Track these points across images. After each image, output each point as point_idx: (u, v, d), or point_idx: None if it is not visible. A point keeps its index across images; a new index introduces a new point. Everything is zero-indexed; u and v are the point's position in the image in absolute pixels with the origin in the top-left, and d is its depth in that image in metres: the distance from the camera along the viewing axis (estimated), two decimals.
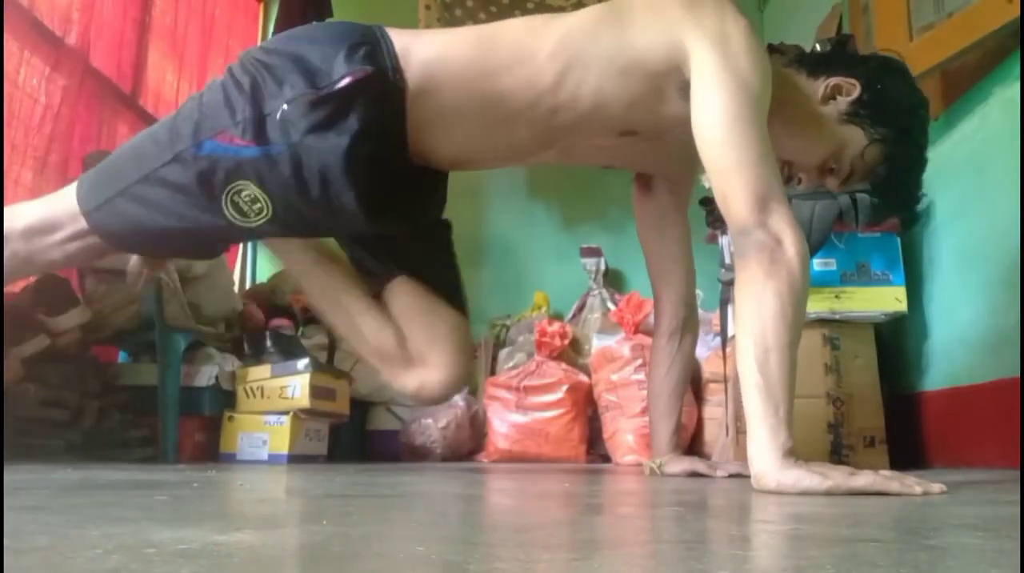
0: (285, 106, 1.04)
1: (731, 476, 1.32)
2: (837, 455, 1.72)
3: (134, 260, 1.26)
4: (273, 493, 0.92)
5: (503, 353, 2.81)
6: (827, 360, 1.77)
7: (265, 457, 1.89)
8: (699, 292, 1.60)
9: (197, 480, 1.06)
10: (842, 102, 1.16)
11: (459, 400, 2.56)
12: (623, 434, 2.34)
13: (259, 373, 1.95)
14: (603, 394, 2.44)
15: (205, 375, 1.90)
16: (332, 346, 2.53)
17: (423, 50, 1.12)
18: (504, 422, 2.48)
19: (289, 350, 2.08)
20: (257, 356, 2.06)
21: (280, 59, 1.08)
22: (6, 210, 1.16)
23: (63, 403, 1.64)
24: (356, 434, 2.53)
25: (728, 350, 1.85)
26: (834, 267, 1.81)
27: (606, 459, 2.46)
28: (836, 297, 1.78)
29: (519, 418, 2.46)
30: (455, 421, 2.50)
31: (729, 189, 1.00)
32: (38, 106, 1.89)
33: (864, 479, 0.87)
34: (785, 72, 1.19)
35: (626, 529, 0.59)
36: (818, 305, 1.76)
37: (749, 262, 0.98)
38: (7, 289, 1.50)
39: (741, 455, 1.53)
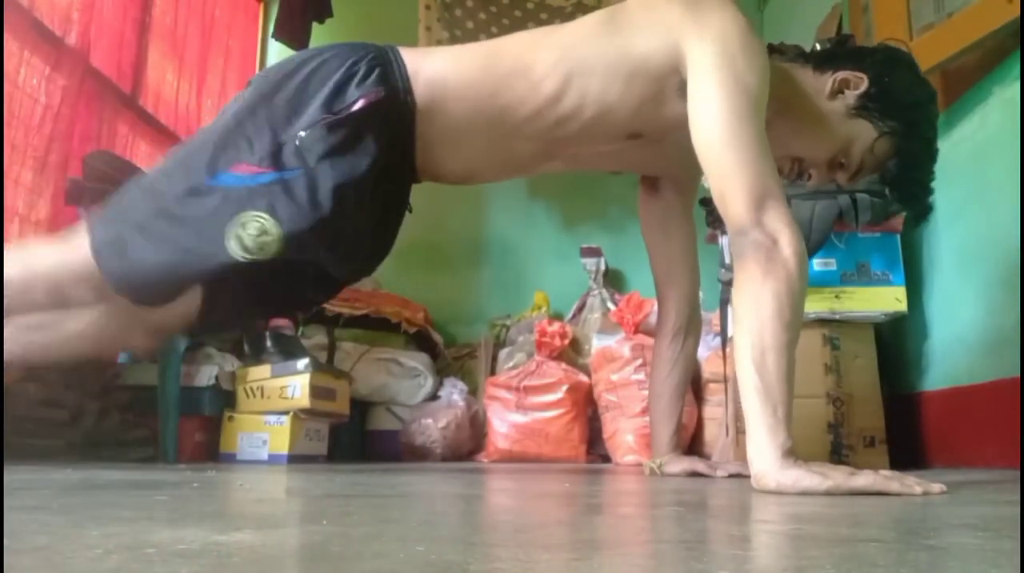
0: (302, 133, 1.04)
1: (731, 476, 1.32)
2: (837, 455, 1.72)
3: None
4: (273, 493, 0.92)
5: (503, 353, 2.81)
6: (827, 360, 1.77)
7: (265, 457, 1.89)
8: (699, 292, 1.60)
9: (197, 480, 1.06)
10: (850, 96, 1.15)
11: (459, 400, 2.56)
12: (623, 434, 2.34)
13: (259, 373, 1.95)
14: (603, 394, 2.44)
15: (205, 375, 1.90)
16: (332, 346, 2.53)
17: (430, 69, 1.13)
18: (504, 422, 2.48)
19: (289, 350, 2.08)
20: (257, 356, 2.06)
21: (293, 85, 1.08)
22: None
23: (63, 403, 1.64)
24: (356, 434, 2.53)
25: (728, 350, 1.85)
26: (834, 267, 1.80)
27: (606, 459, 2.46)
28: (836, 297, 1.78)
29: (519, 418, 2.46)
30: (455, 421, 2.50)
31: (726, 189, 1.00)
32: (38, 106, 1.89)
33: (864, 479, 0.87)
34: (790, 69, 1.18)
35: (626, 529, 0.59)
36: (818, 305, 1.76)
37: (747, 262, 0.98)
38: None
39: (741, 455, 1.53)
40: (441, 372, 2.75)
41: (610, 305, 2.88)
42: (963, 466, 1.72)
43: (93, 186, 1.80)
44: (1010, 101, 1.62)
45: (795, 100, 1.16)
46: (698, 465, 1.39)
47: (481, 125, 1.14)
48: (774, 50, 1.24)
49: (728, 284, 1.74)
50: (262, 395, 1.93)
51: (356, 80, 1.07)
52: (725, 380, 1.94)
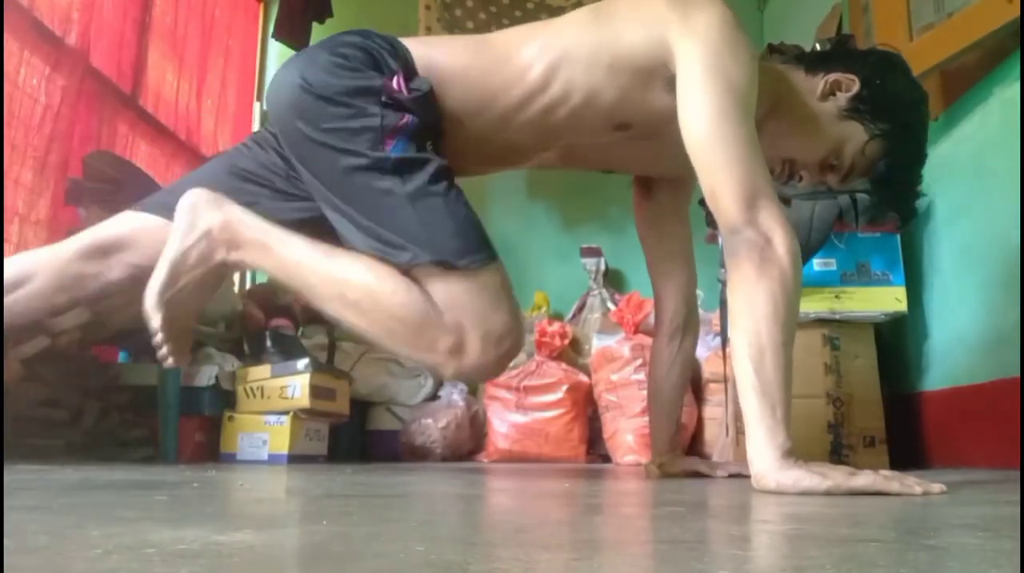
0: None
1: (731, 476, 1.32)
2: (837, 455, 1.72)
3: (162, 351, 1.12)
4: (273, 493, 0.92)
5: None
6: (827, 360, 1.77)
7: (265, 457, 1.88)
8: (699, 292, 1.60)
9: (197, 480, 1.06)
10: (841, 98, 1.15)
11: (459, 400, 2.56)
12: (623, 434, 2.34)
13: (259, 373, 1.95)
14: (603, 394, 2.44)
15: (205, 375, 1.90)
16: (332, 346, 2.53)
17: (426, 56, 1.15)
18: (504, 422, 2.48)
19: (289, 350, 2.08)
20: (257, 356, 2.06)
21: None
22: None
23: (63, 403, 1.64)
24: (356, 434, 2.53)
25: (728, 350, 1.85)
26: (834, 267, 1.81)
27: (606, 459, 2.46)
28: (836, 297, 1.78)
29: (519, 418, 2.46)
30: (455, 421, 2.50)
31: (717, 187, 1.00)
32: (38, 106, 1.89)
33: (864, 479, 0.87)
34: (782, 70, 1.19)
35: (626, 529, 0.59)
36: (818, 305, 1.76)
37: (740, 262, 0.98)
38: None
39: (741, 455, 1.53)
40: None
41: (610, 305, 2.88)
42: (963, 466, 1.72)
43: (93, 186, 1.80)
44: (1010, 101, 1.62)
45: (787, 101, 1.16)
46: (698, 465, 1.39)
47: (473, 112, 1.15)
48: (774, 50, 1.24)
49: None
50: (262, 395, 1.93)
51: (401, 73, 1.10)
52: (725, 380, 1.94)
